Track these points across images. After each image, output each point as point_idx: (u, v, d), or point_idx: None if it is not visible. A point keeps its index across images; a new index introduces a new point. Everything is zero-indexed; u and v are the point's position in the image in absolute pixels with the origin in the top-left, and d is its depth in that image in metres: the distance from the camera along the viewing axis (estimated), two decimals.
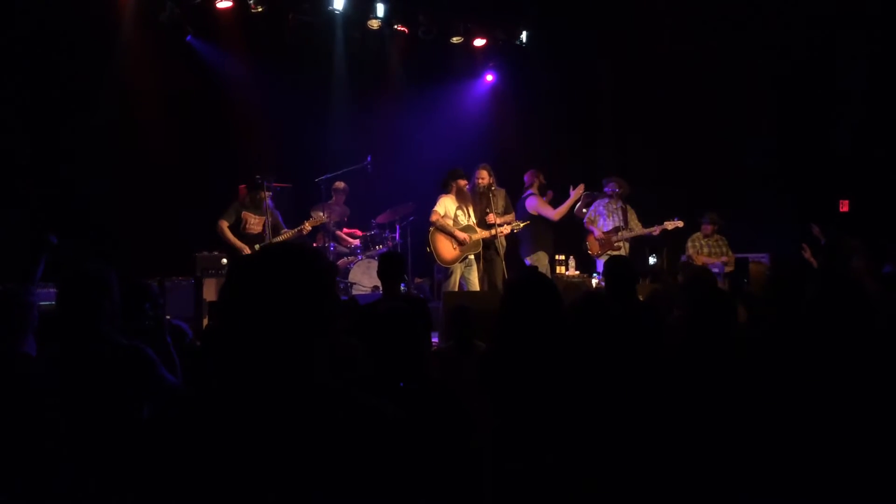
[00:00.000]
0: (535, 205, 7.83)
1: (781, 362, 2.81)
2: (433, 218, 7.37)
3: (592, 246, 7.86)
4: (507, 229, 7.51)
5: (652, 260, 7.95)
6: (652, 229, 7.75)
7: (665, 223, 7.71)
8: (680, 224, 7.72)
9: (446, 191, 7.49)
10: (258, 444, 1.33)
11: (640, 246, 8.11)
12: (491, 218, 7.52)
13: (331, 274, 1.46)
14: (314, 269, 1.41)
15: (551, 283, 2.94)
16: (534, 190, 7.94)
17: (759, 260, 7.93)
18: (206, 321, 6.91)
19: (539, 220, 7.79)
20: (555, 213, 7.79)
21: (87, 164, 7.68)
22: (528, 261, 7.72)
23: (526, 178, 8.05)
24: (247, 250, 7.00)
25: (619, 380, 2.62)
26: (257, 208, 7.22)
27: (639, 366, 2.78)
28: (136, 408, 2.82)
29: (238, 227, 7.20)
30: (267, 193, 7.17)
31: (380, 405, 1.41)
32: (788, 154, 9.05)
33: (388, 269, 4.68)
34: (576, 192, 7.79)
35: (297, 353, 1.38)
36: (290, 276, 1.38)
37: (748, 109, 9.17)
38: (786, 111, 9.13)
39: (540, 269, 7.46)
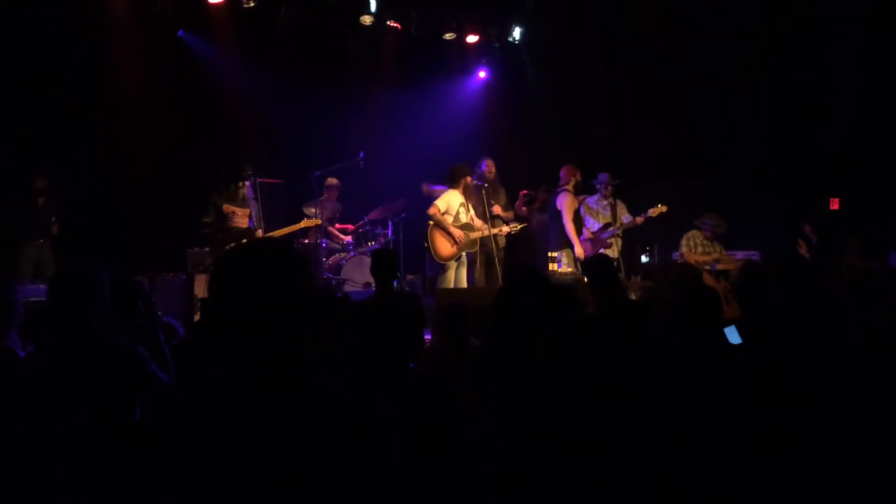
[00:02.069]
0: (562, 203, 7.81)
1: (752, 364, 2.85)
2: (432, 211, 7.31)
3: (584, 247, 7.85)
4: (505, 230, 7.51)
5: (644, 258, 7.95)
6: (635, 218, 7.76)
7: (649, 211, 7.70)
8: (663, 209, 7.69)
9: (454, 185, 7.45)
10: (250, 441, 1.33)
11: (632, 244, 8.13)
12: (497, 209, 7.57)
13: (307, 263, 1.47)
14: (291, 259, 1.42)
15: (547, 281, 2.93)
16: (568, 188, 7.89)
17: (749, 258, 7.95)
18: (197, 317, 6.89)
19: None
20: (568, 223, 7.76)
21: (75, 159, 7.63)
22: (557, 255, 7.64)
23: (562, 173, 8.00)
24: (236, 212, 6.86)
25: (604, 379, 2.62)
26: (236, 200, 6.95)
27: (625, 365, 2.79)
28: (127, 405, 2.80)
29: (223, 223, 6.94)
30: (245, 184, 6.92)
31: (370, 401, 1.41)
32: (779, 151, 9.08)
33: (382, 266, 4.67)
34: (578, 251, 7.72)
35: (283, 345, 1.38)
36: (269, 268, 1.39)
37: (740, 107, 9.19)
38: (777, 109, 9.16)
39: (569, 264, 7.49)
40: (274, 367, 1.38)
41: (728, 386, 2.68)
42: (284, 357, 1.39)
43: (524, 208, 8.57)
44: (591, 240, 7.82)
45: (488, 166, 7.71)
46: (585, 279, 7.09)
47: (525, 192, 8.61)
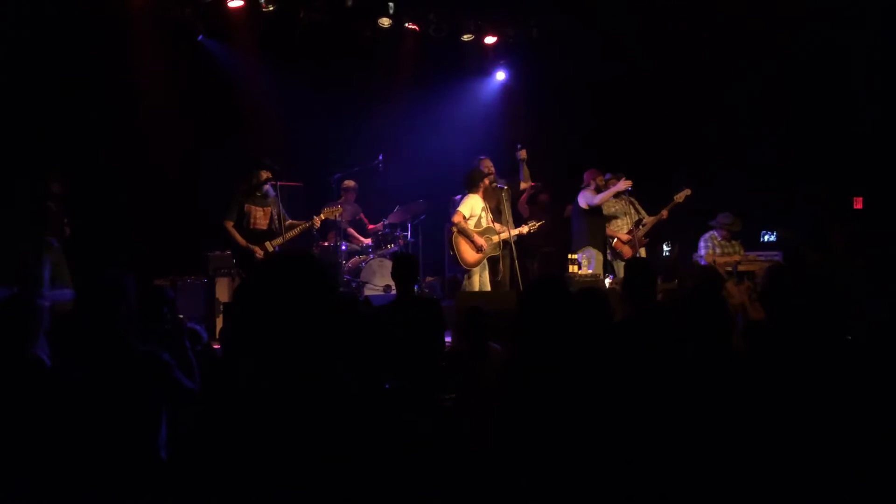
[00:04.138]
0: (583, 200, 7.79)
1: (773, 366, 2.85)
2: (456, 219, 7.24)
3: (624, 251, 7.79)
4: (525, 230, 7.49)
5: (666, 248, 7.84)
6: (661, 214, 7.72)
7: (674, 198, 7.66)
8: (688, 192, 7.65)
9: (474, 190, 7.39)
10: (291, 446, 1.34)
11: (652, 244, 8.09)
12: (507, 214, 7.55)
13: (334, 276, 1.49)
14: (321, 273, 1.44)
15: (566, 288, 2.91)
16: (589, 190, 7.85)
17: (771, 258, 7.88)
18: (218, 321, 6.93)
19: (591, 215, 7.77)
20: (598, 199, 7.72)
21: (96, 164, 7.70)
22: (580, 255, 7.56)
23: (585, 175, 8.00)
24: (258, 252, 6.71)
25: (622, 381, 2.62)
26: (261, 197, 6.84)
27: (645, 368, 2.79)
28: (153, 412, 2.83)
29: (244, 224, 6.84)
30: (266, 175, 6.76)
31: (408, 418, 1.43)
32: (801, 151, 8.99)
33: (402, 271, 4.69)
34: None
35: (319, 355, 1.39)
36: (303, 282, 1.41)
37: (761, 105, 9.11)
38: (799, 107, 9.07)
39: (590, 265, 7.45)
40: (311, 381, 1.39)
41: (729, 395, 2.69)
42: (320, 371, 1.40)
43: (526, 206, 8.51)
44: (629, 242, 7.77)
45: (486, 166, 7.60)
46: (607, 281, 7.15)
47: (532, 183, 8.49)
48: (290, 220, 6.97)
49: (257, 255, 6.71)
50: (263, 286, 1.46)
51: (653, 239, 8.08)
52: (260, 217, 6.87)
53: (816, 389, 2.77)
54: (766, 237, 8.14)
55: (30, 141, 7.33)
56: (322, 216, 7.13)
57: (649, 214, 7.97)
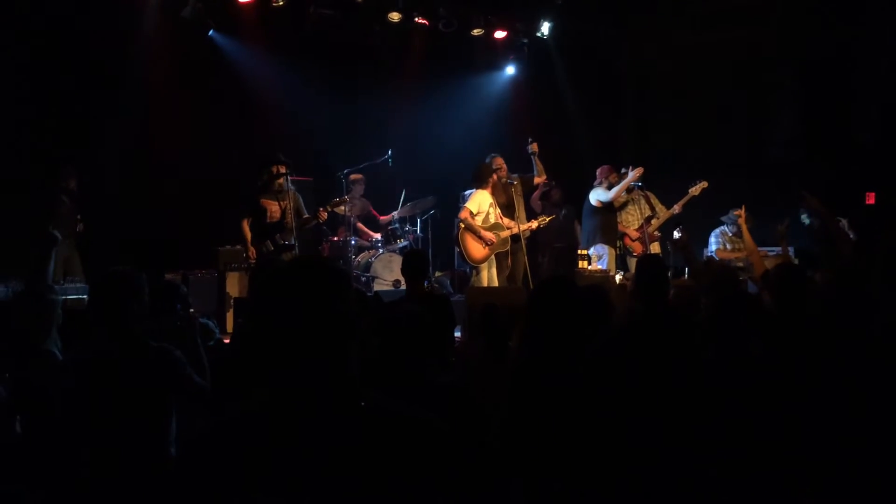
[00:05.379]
0: (597, 196, 7.70)
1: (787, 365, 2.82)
2: (463, 215, 7.20)
3: (634, 248, 7.75)
4: (534, 225, 7.45)
5: (676, 234, 7.78)
6: (674, 208, 7.64)
7: (689, 191, 7.54)
8: (705, 184, 7.52)
9: (482, 186, 7.34)
10: (307, 461, 1.33)
11: (667, 233, 8.05)
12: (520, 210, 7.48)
13: (349, 280, 1.47)
14: (335, 276, 1.42)
15: (575, 289, 2.88)
16: (602, 187, 7.78)
17: (780, 254, 7.82)
18: (229, 315, 6.94)
19: (604, 213, 7.69)
20: (611, 194, 7.62)
21: (108, 159, 7.72)
22: (591, 251, 7.52)
23: (598, 172, 7.92)
24: (251, 253, 6.59)
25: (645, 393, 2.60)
26: (274, 193, 6.63)
27: (655, 369, 2.77)
28: (163, 409, 2.83)
29: (260, 220, 6.66)
30: (280, 170, 6.57)
31: (427, 419, 1.41)
32: (814, 146, 8.94)
33: (412, 268, 4.67)
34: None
35: (333, 364, 1.37)
36: (315, 287, 1.39)
37: (773, 101, 9.06)
38: (812, 102, 9.01)
39: (602, 261, 7.41)
40: (327, 387, 1.38)
41: (753, 395, 2.66)
42: (336, 374, 1.38)
43: (539, 202, 8.47)
44: (640, 238, 7.73)
45: (497, 163, 7.51)
46: (618, 278, 7.12)
47: (545, 178, 8.38)
48: (306, 216, 6.85)
49: (251, 256, 6.58)
50: (272, 290, 1.44)
51: (666, 234, 8.03)
52: (275, 211, 6.69)
53: (832, 389, 2.74)
54: None
55: (40, 136, 7.36)
56: (329, 208, 6.99)
57: (668, 209, 7.90)
